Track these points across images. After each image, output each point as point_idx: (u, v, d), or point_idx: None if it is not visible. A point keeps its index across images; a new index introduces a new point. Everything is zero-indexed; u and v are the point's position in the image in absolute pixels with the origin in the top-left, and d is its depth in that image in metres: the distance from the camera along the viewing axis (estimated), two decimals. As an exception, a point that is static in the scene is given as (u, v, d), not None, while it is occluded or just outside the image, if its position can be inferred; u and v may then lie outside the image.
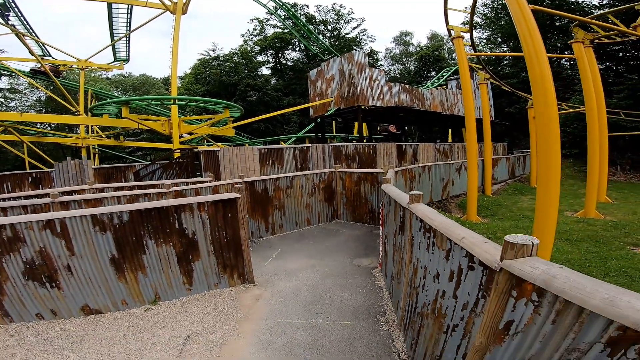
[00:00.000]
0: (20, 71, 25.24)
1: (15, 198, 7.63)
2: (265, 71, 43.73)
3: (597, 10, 24.86)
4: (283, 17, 30.09)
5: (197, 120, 21.33)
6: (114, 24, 22.38)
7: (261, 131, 33.96)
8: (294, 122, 37.34)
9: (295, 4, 41.57)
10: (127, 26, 22.50)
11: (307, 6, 44.08)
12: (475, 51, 13.92)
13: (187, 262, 4.79)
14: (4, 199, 7.47)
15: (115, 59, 26.68)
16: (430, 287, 2.67)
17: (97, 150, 26.50)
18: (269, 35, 42.80)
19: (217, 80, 34.84)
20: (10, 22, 20.42)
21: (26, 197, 7.50)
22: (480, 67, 16.58)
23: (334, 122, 29.28)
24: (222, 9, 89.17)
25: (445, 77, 31.45)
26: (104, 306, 4.46)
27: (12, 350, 3.64)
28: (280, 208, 8.33)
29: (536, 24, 5.56)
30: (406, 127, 28.97)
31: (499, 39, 33.77)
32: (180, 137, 17.64)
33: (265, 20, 43.21)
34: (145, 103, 18.77)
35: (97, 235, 4.28)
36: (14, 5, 20.10)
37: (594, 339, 1.30)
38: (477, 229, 9.22)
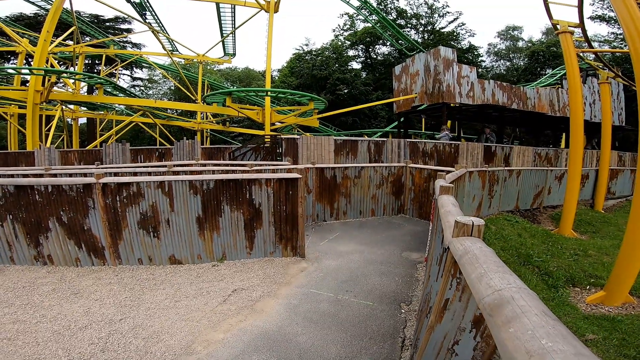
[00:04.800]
0: (156, 64, 31.00)
1: (144, 167, 9.87)
2: (355, 65, 44.12)
3: None
4: (367, 14, 30.07)
5: (289, 110, 23.20)
6: (222, 22, 25.47)
7: (349, 124, 34.78)
8: (381, 117, 37.08)
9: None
10: (232, 24, 25.47)
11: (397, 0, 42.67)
12: (591, 47, 11.98)
13: (251, 229, 5.69)
14: (137, 167, 9.80)
15: (225, 54, 30.49)
16: (433, 274, 2.78)
17: (209, 133, 31.22)
18: (359, 30, 42.99)
19: (310, 74, 36.72)
20: (147, 21, 24.42)
21: (152, 167, 9.63)
22: (600, 64, 14.10)
23: (423, 119, 28.31)
24: (315, 5, 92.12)
25: (559, 76, 27.42)
26: (184, 258, 5.55)
27: (111, 286, 4.71)
28: (347, 196, 8.82)
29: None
30: (509, 130, 26.36)
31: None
32: (273, 125, 19.51)
33: (355, 15, 43.40)
34: (243, 94, 21.33)
35: (191, 197, 5.41)
36: (148, 5, 23.64)
37: (470, 319, 1.32)
38: (567, 244, 8.25)
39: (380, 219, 9.14)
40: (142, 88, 43.77)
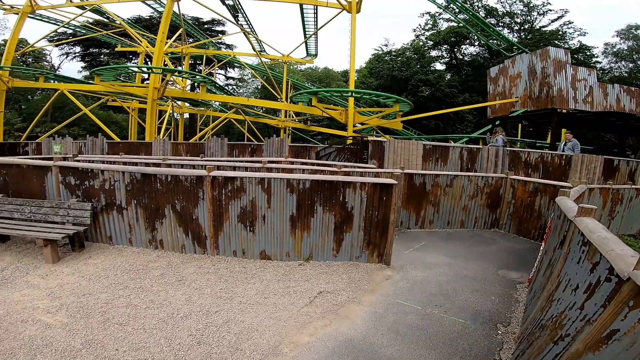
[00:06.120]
0: (246, 64, 33.42)
1: (241, 161, 10.72)
2: (439, 66, 41.66)
3: None
4: (455, 12, 27.85)
5: (369, 112, 22.92)
6: (305, 23, 25.92)
7: (431, 128, 33.10)
8: (468, 121, 34.44)
9: (471, -4, 37.39)
10: (315, 25, 25.94)
11: (486, -3, 38.59)
12: None
13: (341, 232, 5.65)
14: (236, 160, 10.69)
15: (307, 54, 31.44)
16: (565, 300, 2.58)
17: (290, 131, 32.72)
18: (442, 29, 40.27)
19: (390, 75, 35.82)
20: (239, 22, 25.93)
21: (247, 161, 10.39)
22: None
23: (519, 125, 25.31)
24: (395, 5, 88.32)
25: None
26: (274, 254, 5.72)
27: (209, 276, 4.98)
28: (435, 205, 8.31)
29: None
30: (630, 141, 22.11)
31: None
32: (354, 126, 19.54)
33: (437, 15, 40.69)
34: (329, 94, 21.73)
35: (287, 195, 5.56)
36: (241, 7, 24.81)
37: None
38: None
39: (470, 231, 8.42)
40: (234, 87, 47.90)
